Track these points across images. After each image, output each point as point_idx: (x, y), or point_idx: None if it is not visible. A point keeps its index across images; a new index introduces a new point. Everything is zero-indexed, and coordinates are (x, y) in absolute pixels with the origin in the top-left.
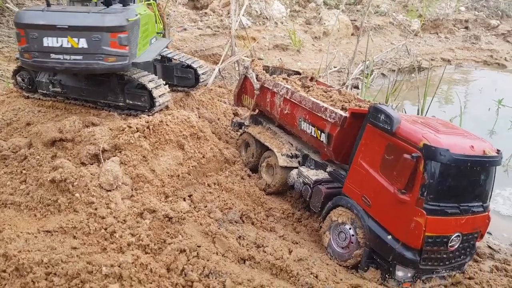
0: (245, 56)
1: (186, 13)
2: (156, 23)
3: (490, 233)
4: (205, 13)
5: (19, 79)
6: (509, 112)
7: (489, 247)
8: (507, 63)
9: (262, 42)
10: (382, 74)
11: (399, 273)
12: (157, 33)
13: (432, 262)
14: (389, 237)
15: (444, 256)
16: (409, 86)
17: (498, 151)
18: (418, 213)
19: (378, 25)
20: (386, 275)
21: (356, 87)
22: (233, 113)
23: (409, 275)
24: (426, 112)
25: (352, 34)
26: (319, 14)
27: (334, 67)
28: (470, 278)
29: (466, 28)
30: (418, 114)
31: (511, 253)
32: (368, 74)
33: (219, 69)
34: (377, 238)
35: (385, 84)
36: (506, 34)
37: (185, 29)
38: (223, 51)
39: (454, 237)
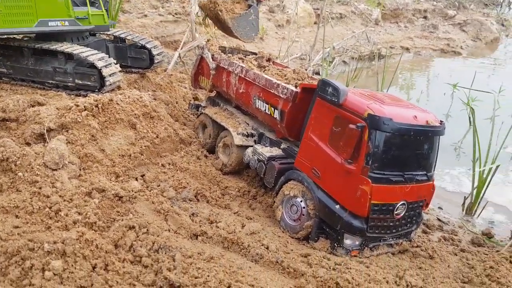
0: (205, 41)
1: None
2: (68, 8)
3: (441, 208)
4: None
5: None
6: (463, 94)
7: (439, 219)
8: (462, 51)
9: None
10: (343, 61)
11: (347, 241)
12: (78, 18)
13: (379, 230)
14: (337, 206)
15: (391, 224)
16: (369, 73)
17: (441, 122)
18: (363, 181)
19: (340, 13)
20: (335, 244)
21: (318, 73)
22: (193, 97)
23: (357, 243)
24: None
25: (315, 23)
26: (283, 2)
27: (296, 53)
28: (417, 247)
29: (425, 17)
30: None
31: (459, 225)
32: (329, 61)
33: (179, 54)
34: (326, 208)
35: (346, 71)
36: (462, 23)
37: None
38: (184, 38)
39: (400, 205)
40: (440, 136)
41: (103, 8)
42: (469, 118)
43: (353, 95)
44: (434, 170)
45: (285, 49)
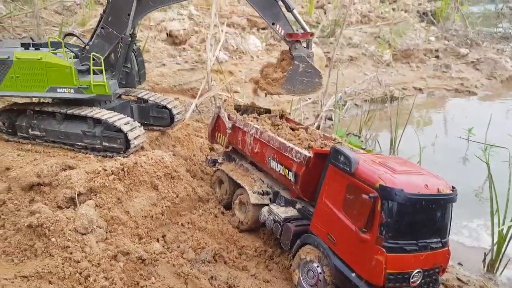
0: (221, 91)
1: (165, 49)
2: (73, 77)
3: (461, 264)
4: (184, 48)
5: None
6: (480, 139)
7: (458, 279)
8: (477, 90)
9: (239, 75)
10: (356, 104)
11: None
12: (81, 87)
13: None
14: (353, 274)
15: None
16: (383, 116)
17: (453, 188)
18: (378, 251)
19: (351, 56)
20: None
21: (330, 118)
22: (209, 148)
23: None
24: (399, 142)
25: (326, 66)
26: None
27: (309, 98)
28: None
29: (437, 57)
30: (391, 144)
31: (480, 284)
32: (341, 105)
33: (196, 104)
34: (342, 275)
35: (359, 114)
36: (476, 62)
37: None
38: (200, 86)
39: (415, 273)
40: (453, 203)
41: (104, 79)
42: (487, 164)
43: (364, 163)
44: (448, 236)
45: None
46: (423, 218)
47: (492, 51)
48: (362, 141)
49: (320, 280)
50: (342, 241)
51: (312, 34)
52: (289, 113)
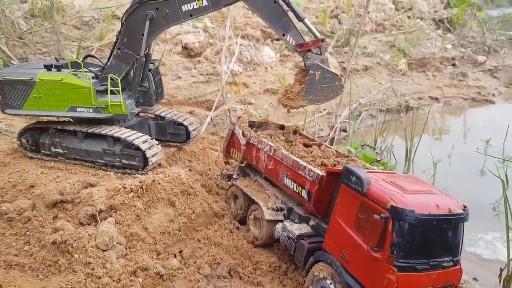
0: (236, 103)
1: (180, 62)
2: (92, 97)
3: (476, 279)
4: (199, 61)
5: (24, 141)
6: (498, 149)
7: None
8: (494, 98)
9: (253, 87)
10: (371, 115)
11: None
12: (99, 107)
13: None
14: None
15: None
16: (398, 126)
17: (464, 208)
18: (389, 270)
19: (365, 65)
20: None
21: (345, 130)
22: (224, 162)
23: None
24: (414, 153)
25: (341, 75)
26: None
27: (324, 109)
28: None
29: (453, 65)
30: (406, 155)
31: None
32: (356, 116)
33: (211, 117)
34: None
35: (374, 124)
36: (493, 70)
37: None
38: (215, 98)
39: None
40: (465, 222)
41: (121, 99)
42: (506, 176)
43: (376, 183)
44: (460, 254)
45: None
46: (434, 238)
47: (510, 57)
48: (377, 152)
49: None
50: (355, 259)
51: (323, 40)
52: (303, 128)
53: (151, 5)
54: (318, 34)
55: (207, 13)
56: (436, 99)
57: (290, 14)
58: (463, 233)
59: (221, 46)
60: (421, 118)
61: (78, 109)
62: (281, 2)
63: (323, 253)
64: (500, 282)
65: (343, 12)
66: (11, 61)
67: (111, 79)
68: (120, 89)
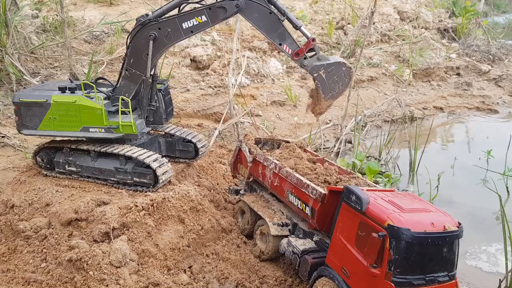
0: (243, 116)
1: (189, 74)
2: (103, 118)
3: None
4: (207, 73)
5: (39, 159)
6: (500, 159)
7: None
8: (499, 107)
9: (260, 99)
10: (376, 126)
11: None
12: (111, 127)
13: None
14: None
15: None
16: (403, 137)
17: (459, 225)
18: (387, 286)
19: (371, 76)
20: None
21: (350, 141)
22: (232, 175)
23: None
24: (418, 164)
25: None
26: None
27: (329, 120)
28: None
29: (458, 74)
30: (410, 167)
31: None
32: (361, 127)
33: (219, 131)
34: None
35: (380, 135)
36: (497, 78)
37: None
38: (224, 110)
39: None
40: (459, 239)
41: (131, 120)
42: (506, 187)
43: (375, 202)
44: (456, 269)
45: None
46: (430, 254)
47: None
48: (382, 164)
49: None
50: (355, 275)
51: (314, 39)
52: (308, 144)
53: (153, 25)
54: (309, 35)
55: (206, 28)
56: (441, 109)
57: (287, 23)
58: (458, 249)
59: (229, 58)
60: (426, 129)
61: (90, 129)
62: (277, 12)
63: (326, 268)
64: None
65: (349, 23)
66: (24, 76)
67: (122, 99)
68: (130, 109)
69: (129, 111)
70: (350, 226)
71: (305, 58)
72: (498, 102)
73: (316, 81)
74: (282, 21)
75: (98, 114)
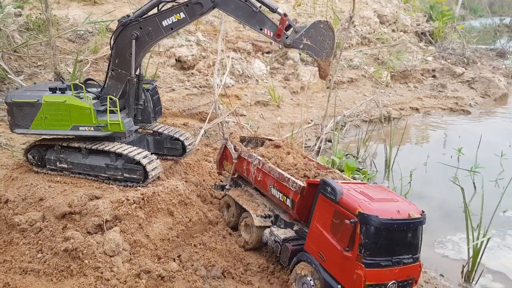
0: (228, 116)
1: (174, 74)
2: (92, 117)
3: (443, 275)
4: (192, 73)
5: (30, 157)
6: (470, 157)
7: None
8: (471, 109)
9: (245, 99)
10: (355, 125)
11: None
12: (99, 125)
13: None
14: (339, 286)
15: None
16: (381, 136)
17: (422, 213)
18: (358, 266)
19: (351, 78)
20: None
21: (330, 140)
22: (217, 172)
23: None
24: (393, 162)
25: (328, 87)
26: (297, 70)
27: (311, 120)
28: None
29: (434, 76)
30: (385, 164)
31: None
32: (340, 127)
33: (204, 130)
34: (330, 287)
35: (359, 134)
36: (471, 81)
37: None
38: (209, 110)
39: (390, 284)
40: (423, 225)
41: (119, 118)
42: (473, 183)
43: (347, 192)
44: (419, 252)
45: (300, 116)
46: (396, 239)
47: (488, 68)
48: (359, 162)
49: None
50: (330, 259)
51: (285, 15)
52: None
53: (135, 25)
54: (280, 11)
55: (186, 25)
56: (417, 109)
57: (263, 9)
58: (421, 234)
59: (214, 59)
60: (402, 128)
61: (80, 128)
62: (252, 0)
63: (304, 254)
64: (462, 277)
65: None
66: (8, 75)
67: (110, 99)
68: (118, 108)
69: (117, 110)
70: (326, 214)
71: (286, 38)
72: (470, 104)
73: (305, 50)
74: (259, 7)
75: (87, 113)
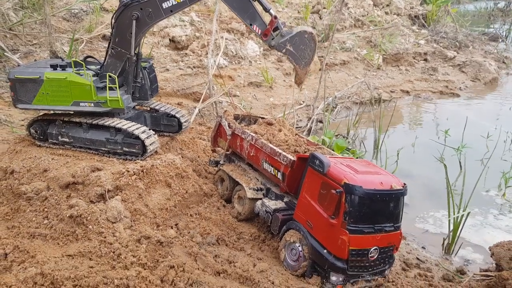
0: (222, 96)
1: (168, 54)
2: (92, 93)
3: (424, 248)
4: (186, 53)
5: (32, 131)
6: (458, 138)
7: (417, 258)
8: (460, 92)
9: (238, 80)
10: (346, 107)
11: (333, 278)
12: (99, 102)
13: (357, 269)
14: (325, 251)
15: (367, 264)
16: (371, 117)
17: (404, 185)
18: (343, 233)
19: (343, 60)
20: (324, 280)
21: (321, 121)
22: (212, 150)
23: (340, 279)
24: (381, 143)
25: (320, 69)
26: None
27: (302, 101)
28: (392, 281)
29: (425, 60)
30: (374, 144)
31: (435, 263)
32: (332, 108)
33: (198, 109)
34: (317, 252)
35: (349, 116)
36: (462, 65)
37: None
38: (202, 90)
39: (373, 249)
40: (404, 196)
41: (118, 95)
42: (459, 162)
43: (334, 165)
44: (401, 221)
45: (292, 97)
46: (378, 208)
47: (480, 52)
48: (349, 142)
49: (300, 257)
50: (317, 226)
51: (276, 17)
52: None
53: (136, 6)
54: (272, 12)
55: (185, 7)
56: (407, 92)
57: (256, 5)
58: (403, 204)
59: (208, 39)
60: (392, 110)
61: (81, 104)
62: None
63: (293, 222)
64: (443, 249)
65: (324, 8)
66: (5, 53)
67: (109, 76)
68: (117, 85)
69: (116, 87)
70: (314, 185)
71: (272, 39)
72: (460, 87)
73: (286, 55)
74: (253, 2)
75: (87, 89)
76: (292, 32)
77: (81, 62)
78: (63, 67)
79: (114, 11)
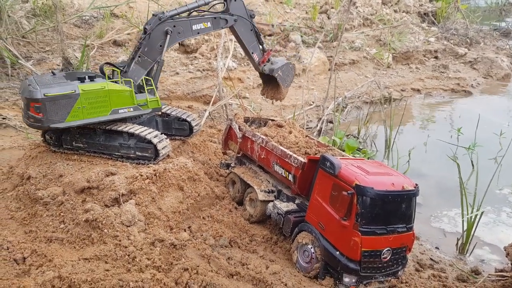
0: (231, 98)
1: (177, 58)
2: (133, 98)
3: (438, 248)
4: (195, 57)
5: (47, 137)
6: (470, 136)
7: (431, 259)
8: (473, 89)
9: (247, 82)
10: (356, 107)
11: (346, 279)
12: (139, 105)
13: (370, 270)
14: (337, 252)
15: (379, 265)
16: (382, 116)
17: (415, 185)
18: (355, 234)
19: (353, 59)
20: (337, 281)
21: (331, 121)
22: (223, 152)
23: (353, 280)
24: (393, 142)
25: (329, 69)
26: (298, 52)
27: (312, 102)
28: (405, 282)
29: (436, 57)
30: (386, 144)
31: (449, 263)
32: (341, 108)
33: (209, 112)
34: (329, 254)
35: (360, 115)
36: (473, 61)
37: None
38: (212, 93)
39: (385, 251)
40: (416, 197)
41: (156, 95)
42: (471, 161)
43: (345, 167)
44: (413, 222)
45: (302, 98)
46: (390, 209)
47: (491, 49)
48: (360, 142)
49: (313, 258)
50: (329, 228)
51: (271, 50)
52: (293, 121)
53: (170, 23)
54: (265, 47)
55: (209, 32)
56: (418, 90)
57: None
58: (415, 205)
59: (217, 42)
60: (403, 109)
61: (120, 111)
62: (255, 31)
63: (305, 224)
64: (457, 249)
65: (332, 8)
66: (18, 60)
67: (147, 80)
68: (154, 87)
69: (152, 89)
70: (325, 187)
71: (264, 65)
72: (472, 84)
73: (277, 78)
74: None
75: (127, 95)
76: (278, 62)
77: (105, 73)
78: (91, 78)
79: (145, 22)
